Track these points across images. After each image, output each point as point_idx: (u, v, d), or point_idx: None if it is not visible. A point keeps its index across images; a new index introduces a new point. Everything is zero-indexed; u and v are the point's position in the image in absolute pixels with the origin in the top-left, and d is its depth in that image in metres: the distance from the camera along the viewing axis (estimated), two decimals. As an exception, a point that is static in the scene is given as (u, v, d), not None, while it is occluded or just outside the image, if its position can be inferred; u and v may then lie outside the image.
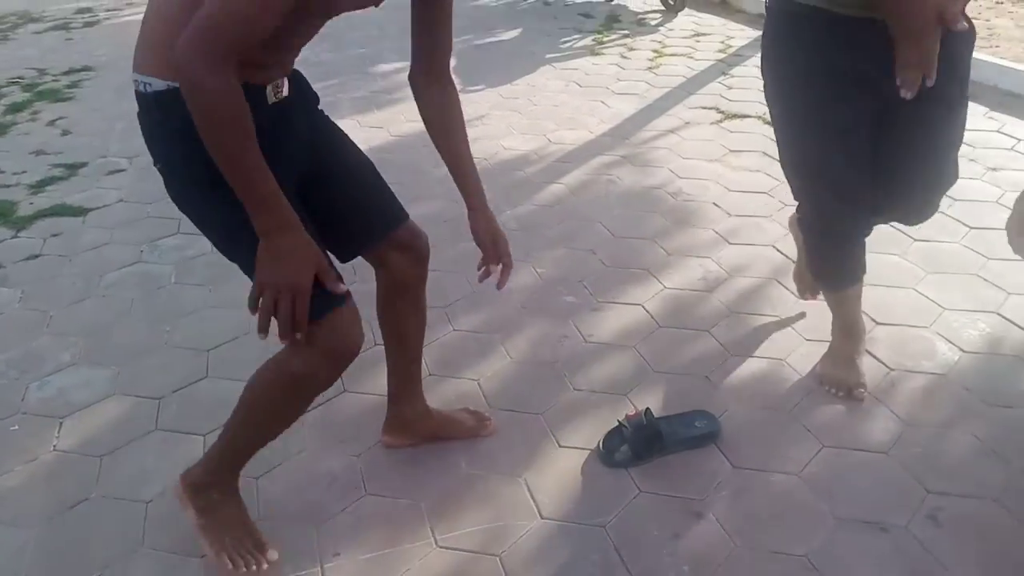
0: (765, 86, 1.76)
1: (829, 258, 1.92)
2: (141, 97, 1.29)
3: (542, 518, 1.64)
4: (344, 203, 1.52)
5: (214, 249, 1.41)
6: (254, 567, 1.51)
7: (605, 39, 5.32)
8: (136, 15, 6.67)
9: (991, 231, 2.62)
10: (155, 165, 1.34)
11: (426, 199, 3.03)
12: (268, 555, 1.53)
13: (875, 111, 1.63)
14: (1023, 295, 2.30)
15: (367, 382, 2.04)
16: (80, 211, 3.14)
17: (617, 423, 1.81)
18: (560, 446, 1.84)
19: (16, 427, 1.97)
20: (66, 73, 5.20)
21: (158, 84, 1.24)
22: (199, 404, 2.02)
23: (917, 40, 1.34)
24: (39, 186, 3.39)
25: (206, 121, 1.12)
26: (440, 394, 2.00)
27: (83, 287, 2.59)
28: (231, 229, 1.30)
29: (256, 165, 1.16)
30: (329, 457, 1.83)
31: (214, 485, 1.54)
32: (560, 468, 1.77)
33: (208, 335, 2.29)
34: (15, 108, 4.48)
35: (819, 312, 2.15)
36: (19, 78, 5.12)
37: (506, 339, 2.24)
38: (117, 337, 2.32)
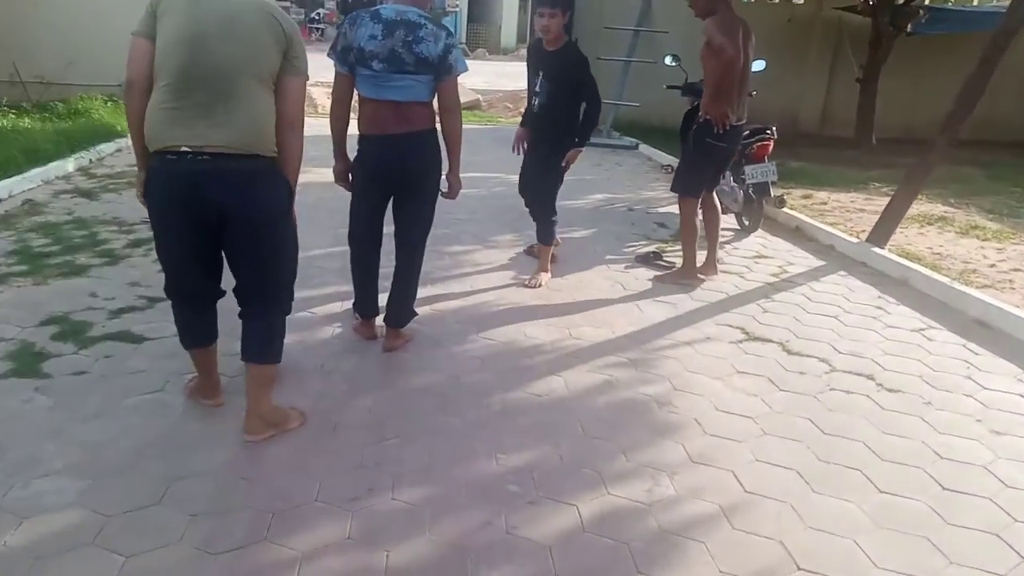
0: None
1: None
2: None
3: None
4: None
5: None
6: None
7: (668, 248, 5.57)
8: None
9: (964, 496, 2.50)
10: None
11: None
12: None
13: None
14: (964, 567, 2.16)
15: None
16: (138, 339, 3.57)
17: None
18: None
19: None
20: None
21: None
22: (142, 528, 2.21)
23: None
24: (117, 313, 3.89)
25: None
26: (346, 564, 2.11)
27: (104, 406, 2.92)
28: None
29: None
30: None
31: None
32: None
33: (183, 464, 2.53)
34: (136, 243, 5.17)
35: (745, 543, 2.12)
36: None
37: (433, 517, 2.33)
38: (105, 454, 2.59)
